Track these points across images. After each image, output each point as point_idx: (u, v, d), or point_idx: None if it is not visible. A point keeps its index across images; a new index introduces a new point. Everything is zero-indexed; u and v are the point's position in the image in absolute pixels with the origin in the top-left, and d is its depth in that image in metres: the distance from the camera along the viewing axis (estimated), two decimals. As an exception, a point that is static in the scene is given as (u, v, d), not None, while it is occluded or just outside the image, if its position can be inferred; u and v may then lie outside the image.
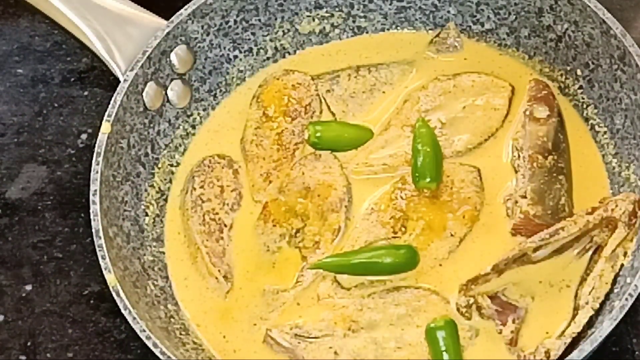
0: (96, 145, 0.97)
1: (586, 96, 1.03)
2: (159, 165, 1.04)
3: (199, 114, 1.08)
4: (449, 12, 1.09)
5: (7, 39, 1.23)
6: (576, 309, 0.92)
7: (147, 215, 1.02)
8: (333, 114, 1.06)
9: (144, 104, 1.03)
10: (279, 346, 0.94)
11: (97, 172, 0.96)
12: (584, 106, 1.04)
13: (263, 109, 1.06)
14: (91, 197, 0.94)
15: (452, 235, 0.97)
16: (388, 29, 1.11)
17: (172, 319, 0.96)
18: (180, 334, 0.95)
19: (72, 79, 1.19)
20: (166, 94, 1.05)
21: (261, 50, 1.10)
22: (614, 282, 0.92)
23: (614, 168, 1.00)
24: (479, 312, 0.93)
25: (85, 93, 1.17)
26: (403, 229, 0.98)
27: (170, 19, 1.04)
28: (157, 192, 1.03)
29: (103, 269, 0.92)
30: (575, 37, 1.02)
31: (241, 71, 1.10)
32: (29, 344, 1.03)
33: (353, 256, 0.97)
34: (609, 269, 0.92)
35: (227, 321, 0.96)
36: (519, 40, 1.07)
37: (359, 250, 0.97)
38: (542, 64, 1.06)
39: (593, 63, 1.01)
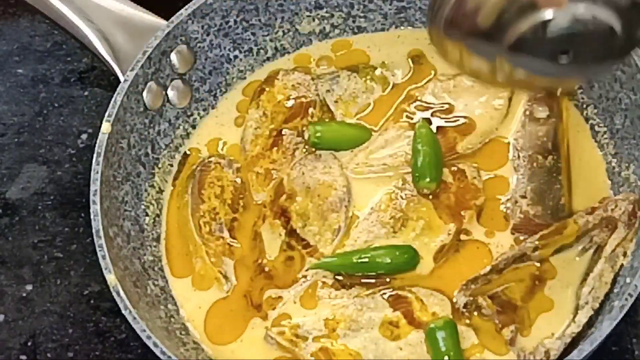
0: (96, 145, 0.97)
1: (586, 96, 1.03)
2: (159, 165, 1.04)
3: (199, 114, 1.08)
4: (449, 12, 1.09)
5: (7, 39, 1.23)
6: (576, 309, 0.92)
7: (147, 215, 1.02)
8: (333, 114, 1.06)
9: (144, 104, 1.03)
10: (279, 346, 0.94)
11: (97, 172, 0.96)
12: (584, 106, 1.04)
13: (263, 109, 1.06)
14: (91, 197, 0.94)
15: (451, 234, 0.97)
16: (388, 29, 1.11)
17: (172, 319, 0.96)
18: (180, 333, 0.95)
19: (72, 79, 1.19)
20: (166, 94, 1.05)
21: (261, 50, 1.10)
22: (614, 282, 0.92)
23: (614, 168, 1.00)
24: (479, 312, 0.93)
25: (85, 93, 1.18)
26: (403, 229, 0.98)
27: (170, 19, 1.04)
28: (157, 192, 1.04)
29: (103, 269, 0.92)
30: (575, 37, 1.02)
31: (241, 71, 1.10)
32: (29, 344, 1.03)
33: (353, 256, 0.97)
34: (608, 269, 0.92)
35: (227, 321, 0.96)
36: (518, 40, 1.07)
37: (359, 250, 0.97)
38: (542, 64, 1.07)
39: (593, 63, 1.01)
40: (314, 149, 1.04)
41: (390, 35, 1.11)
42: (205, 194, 1.02)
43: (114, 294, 0.90)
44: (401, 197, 0.99)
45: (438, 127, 1.02)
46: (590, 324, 0.91)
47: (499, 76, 0.85)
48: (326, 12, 1.10)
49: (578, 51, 0.81)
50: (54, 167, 1.13)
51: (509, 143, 1.02)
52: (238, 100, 1.09)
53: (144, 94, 1.02)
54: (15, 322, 1.04)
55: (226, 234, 1.00)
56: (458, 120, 1.03)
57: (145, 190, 1.03)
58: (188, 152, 1.06)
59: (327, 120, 1.06)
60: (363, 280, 0.96)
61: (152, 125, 1.04)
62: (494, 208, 0.99)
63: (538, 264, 0.94)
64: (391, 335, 0.93)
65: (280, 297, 0.97)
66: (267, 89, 1.07)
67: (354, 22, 1.11)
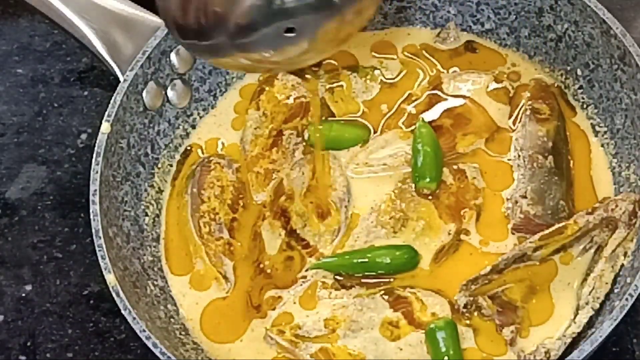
0: (96, 145, 0.97)
1: (586, 96, 1.03)
2: (159, 165, 1.04)
3: (198, 114, 1.08)
4: (449, 12, 1.09)
5: (7, 39, 1.23)
6: (577, 309, 0.92)
7: (146, 215, 1.02)
8: (333, 114, 1.06)
9: (144, 104, 1.02)
10: (279, 346, 0.94)
11: (97, 172, 0.95)
12: (584, 106, 1.04)
13: (262, 109, 1.06)
14: (91, 197, 0.94)
15: (451, 234, 0.97)
16: (388, 29, 1.11)
17: (172, 319, 0.96)
18: (180, 334, 0.95)
19: (72, 79, 1.19)
20: (166, 94, 1.05)
21: (261, 50, 1.10)
22: (614, 282, 0.92)
23: (614, 168, 1.00)
24: (479, 312, 0.93)
25: (85, 93, 1.18)
26: (403, 229, 0.98)
27: (170, 19, 1.04)
28: (157, 192, 1.03)
29: (103, 269, 0.92)
30: (575, 37, 1.02)
31: (241, 71, 1.10)
32: (28, 344, 1.03)
33: (353, 256, 0.97)
34: (609, 269, 0.92)
35: (227, 321, 0.96)
36: (519, 40, 1.07)
37: (359, 250, 0.97)
38: (542, 64, 1.06)
39: (593, 63, 1.01)
40: (314, 149, 1.03)
41: (391, 34, 1.11)
42: (205, 194, 1.02)
43: (114, 294, 0.90)
44: (401, 197, 0.99)
45: (438, 127, 1.02)
46: (590, 324, 0.91)
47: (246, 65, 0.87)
48: (326, 12, 1.10)
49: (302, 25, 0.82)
50: (54, 167, 1.13)
51: (509, 143, 1.02)
52: (237, 100, 1.09)
53: (144, 94, 1.02)
54: (14, 322, 1.04)
55: (226, 234, 1.00)
56: (458, 119, 1.03)
57: (145, 190, 1.02)
58: (189, 148, 1.06)
59: (327, 120, 1.06)
60: (363, 280, 0.96)
61: (151, 125, 1.04)
62: (494, 208, 0.99)
63: (538, 264, 0.94)
64: (391, 335, 0.93)
65: (280, 297, 0.97)
66: (266, 88, 1.07)
67: (354, 22, 1.11)
